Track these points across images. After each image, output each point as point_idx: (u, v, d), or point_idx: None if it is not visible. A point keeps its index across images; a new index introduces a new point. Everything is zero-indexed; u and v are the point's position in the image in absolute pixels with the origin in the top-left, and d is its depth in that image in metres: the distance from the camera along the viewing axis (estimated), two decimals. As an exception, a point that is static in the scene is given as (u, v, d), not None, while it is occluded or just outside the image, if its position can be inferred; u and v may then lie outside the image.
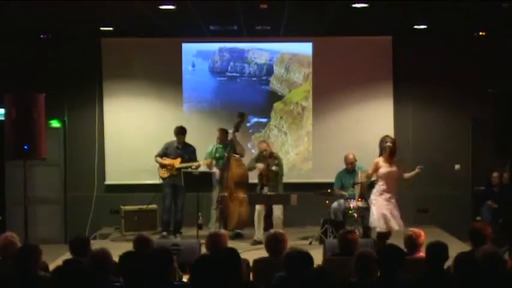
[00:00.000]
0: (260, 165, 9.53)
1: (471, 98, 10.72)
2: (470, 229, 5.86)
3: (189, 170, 9.52)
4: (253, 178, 9.87)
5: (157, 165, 9.83)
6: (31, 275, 4.84)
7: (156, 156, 9.81)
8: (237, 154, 9.74)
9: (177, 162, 9.71)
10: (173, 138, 9.84)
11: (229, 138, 9.80)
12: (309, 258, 4.66)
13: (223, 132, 9.93)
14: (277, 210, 9.39)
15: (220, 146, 9.92)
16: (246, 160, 9.90)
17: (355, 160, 9.67)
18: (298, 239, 9.37)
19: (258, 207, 9.46)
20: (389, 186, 8.35)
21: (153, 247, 5.54)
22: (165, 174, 9.76)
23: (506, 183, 9.76)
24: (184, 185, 9.40)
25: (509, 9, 8.50)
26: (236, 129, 9.75)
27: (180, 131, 9.77)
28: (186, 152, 9.79)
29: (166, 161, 9.75)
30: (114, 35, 10.51)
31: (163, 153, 9.82)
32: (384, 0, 8.38)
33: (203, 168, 9.75)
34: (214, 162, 9.90)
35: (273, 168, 9.49)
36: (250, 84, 11.09)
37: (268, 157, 9.54)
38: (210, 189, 9.75)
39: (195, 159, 9.78)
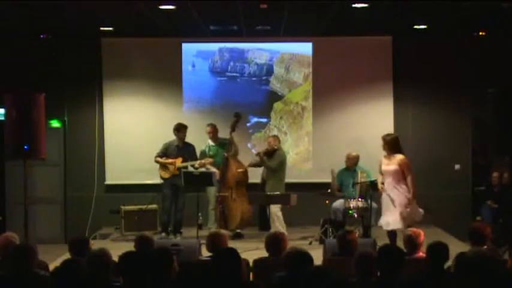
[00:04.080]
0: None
1: (471, 98, 10.71)
2: (470, 229, 5.86)
3: (190, 169, 9.52)
4: (253, 178, 9.90)
5: (157, 165, 9.75)
6: (28, 275, 4.82)
7: (156, 156, 9.72)
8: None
9: (178, 162, 9.64)
10: (172, 137, 9.77)
11: (228, 138, 9.78)
12: (309, 258, 4.66)
13: (215, 128, 9.92)
14: (274, 207, 9.39)
15: (213, 144, 9.89)
16: (241, 159, 9.92)
17: (357, 160, 9.66)
18: (298, 239, 9.37)
19: (273, 207, 9.43)
20: (386, 183, 8.11)
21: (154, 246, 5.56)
22: (167, 175, 9.68)
23: (506, 183, 9.78)
24: (184, 184, 9.38)
25: (509, 9, 8.50)
26: (232, 129, 9.75)
27: (179, 127, 9.67)
28: (187, 151, 9.72)
29: (169, 160, 9.71)
30: (114, 35, 10.50)
31: (163, 154, 9.73)
32: (384, 0, 8.38)
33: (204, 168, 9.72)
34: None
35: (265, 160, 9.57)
36: (250, 84, 11.08)
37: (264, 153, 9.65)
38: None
39: (195, 158, 9.72)
